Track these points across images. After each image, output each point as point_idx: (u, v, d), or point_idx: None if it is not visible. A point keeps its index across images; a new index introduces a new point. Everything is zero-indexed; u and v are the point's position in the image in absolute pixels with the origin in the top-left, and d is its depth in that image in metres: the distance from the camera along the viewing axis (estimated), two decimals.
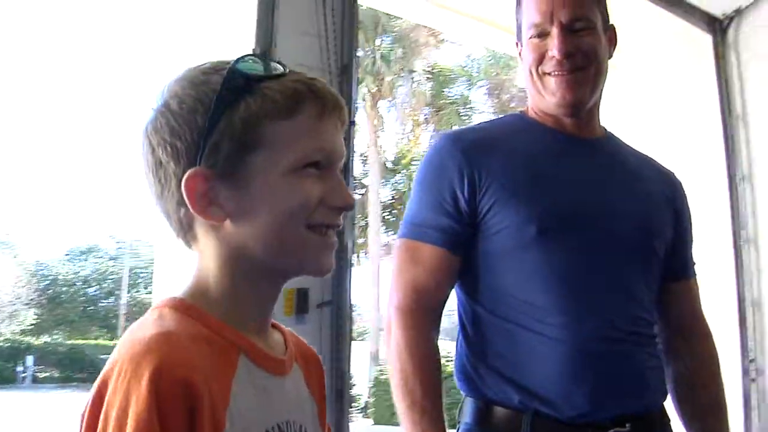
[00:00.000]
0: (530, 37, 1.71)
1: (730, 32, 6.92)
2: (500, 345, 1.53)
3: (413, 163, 22.19)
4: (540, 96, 1.73)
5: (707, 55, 6.92)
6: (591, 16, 1.71)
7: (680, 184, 1.91)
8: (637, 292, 1.67)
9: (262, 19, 3.97)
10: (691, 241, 1.89)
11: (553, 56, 1.67)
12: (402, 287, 1.62)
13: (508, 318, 1.60)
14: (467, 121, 21.75)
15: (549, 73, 1.70)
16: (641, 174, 1.83)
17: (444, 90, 21.86)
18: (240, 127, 0.93)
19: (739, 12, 6.84)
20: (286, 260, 1.00)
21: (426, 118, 22.13)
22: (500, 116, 1.84)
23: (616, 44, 1.83)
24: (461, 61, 22.85)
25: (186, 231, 1.00)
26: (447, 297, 1.69)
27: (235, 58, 0.97)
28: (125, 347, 0.87)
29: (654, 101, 7.29)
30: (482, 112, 22.09)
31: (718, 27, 6.92)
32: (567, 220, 1.64)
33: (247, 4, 3.94)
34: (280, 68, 1.00)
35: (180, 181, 0.94)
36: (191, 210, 0.95)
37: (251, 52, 1.00)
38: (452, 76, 21.93)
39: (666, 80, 7.22)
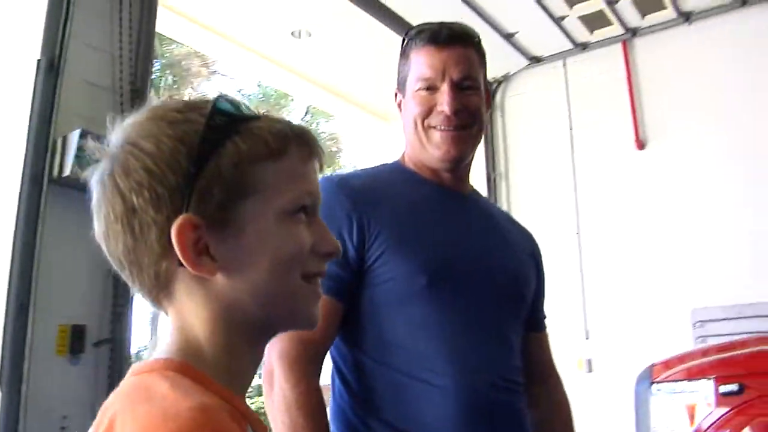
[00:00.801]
0: (418, 90, 1.74)
1: (498, 96, 7.48)
2: (391, 396, 1.51)
3: None
4: (422, 148, 1.75)
5: None
6: (477, 77, 1.77)
7: (536, 240, 2.00)
8: (513, 342, 1.73)
9: (50, 28, 3.68)
10: (545, 293, 1.98)
11: (442, 111, 1.70)
12: (286, 336, 1.53)
13: (398, 369, 1.58)
14: None
15: (435, 127, 1.72)
16: (509, 229, 1.90)
17: None
18: (231, 170, 0.85)
19: (506, 77, 7.43)
20: (281, 313, 0.91)
21: None
22: (378, 165, 1.78)
23: (490, 106, 1.91)
24: (231, 95, 22.64)
25: (161, 287, 0.87)
26: (330, 346, 1.65)
27: (211, 98, 0.89)
28: (156, 421, 0.73)
29: None
30: None
31: (486, 90, 7.44)
32: (454, 272, 1.66)
33: (37, 10, 3.66)
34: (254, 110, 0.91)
35: (162, 230, 0.83)
36: (183, 262, 0.84)
37: (222, 93, 0.87)
38: None
39: None
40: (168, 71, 18.34)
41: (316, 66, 7.07)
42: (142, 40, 4.01)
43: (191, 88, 19.27)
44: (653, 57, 6.84)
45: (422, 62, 1.72)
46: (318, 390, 1.57)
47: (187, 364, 0.84)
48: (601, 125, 6.98)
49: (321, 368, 1.62)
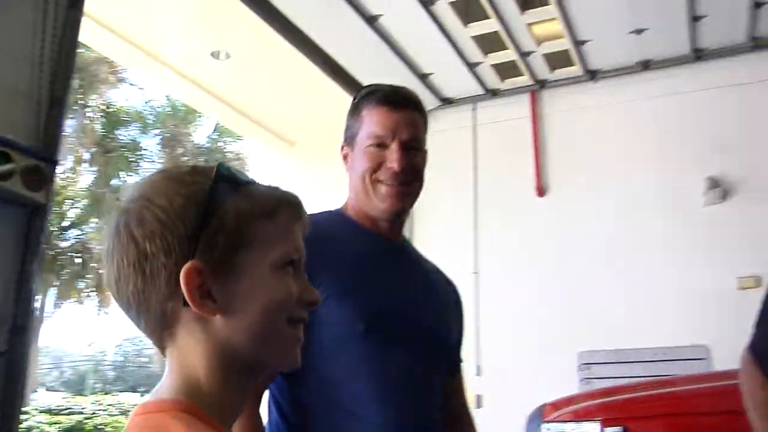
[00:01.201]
0: (368, 146, 1.84)
1: None
2: (327, 430, 1.60)
3: (66, 201, 21.07)
4: (368, 199, 1.85)
5: None
6: (422, 139, 1.88)
7: (458, 290, 2.12)
8: (436, 387, 1.85)
9: None
10: (462, 340, 2.10)
11: (391, 168, 1.80)
12: None
13: (336, 405, 1.68)
14: (135, 167, 21.07)
15: (382, 182, 1.82)
16: (436, 278, 2.02)
17: (115, 131, 21.08)
18: (233, 224, 0.96)
19: None
20: (269, 354, 1.01)
21: (91, 157, 21.07)
22: (322, 211, 1.86)
23: (425, 164, 2.00)
24: (138, 105, 22.28)
25: (167, 326, 0.97)
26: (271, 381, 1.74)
27: (214, 164, 1.01)
28: None
29: (328, 177, 7.71)
30: (153, 161, 21.57)
31: None
32: (389, 321, 1.77)
33: None
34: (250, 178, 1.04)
35: (171, 273, 0.93)
36: (188, 302, 0.93)
37: (223, 162, 1.00)
38: (126, 118, 21.24)
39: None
40: (77, 75, 17.92)
41: (231, 87, 7.13)
42: (64, 46, 3.96)
43: (97, 94, 18.87)
44: (559, 109, 7.20)
45: (375, 121, 1.83)
46: (259, 417, 1.65)
47: (194, 405, 0.93)
48: (505, 169, 7.26)
49: (261, 399, 1.70)
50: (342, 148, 1.95)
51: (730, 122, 6.53)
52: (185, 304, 0.94)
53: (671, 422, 3.45)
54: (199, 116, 17.23)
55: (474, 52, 6.68)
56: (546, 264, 6.81)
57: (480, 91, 7.35)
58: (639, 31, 6.33)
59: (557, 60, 6.86)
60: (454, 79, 7.18)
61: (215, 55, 6.44)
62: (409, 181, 1.84)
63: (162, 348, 0.99)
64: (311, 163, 7.99)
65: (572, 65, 6.90)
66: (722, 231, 6.38)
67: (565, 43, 6.52)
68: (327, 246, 1.74)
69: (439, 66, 6.93)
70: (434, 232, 7.13)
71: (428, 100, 7.41)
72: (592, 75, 7.04)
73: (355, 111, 1.90)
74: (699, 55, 6.69)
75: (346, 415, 1.69)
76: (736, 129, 6.49)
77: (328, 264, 1.73)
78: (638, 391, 3.97)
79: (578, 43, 6.53)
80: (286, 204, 1.03)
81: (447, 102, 7.55)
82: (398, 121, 1.83)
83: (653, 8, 6.01)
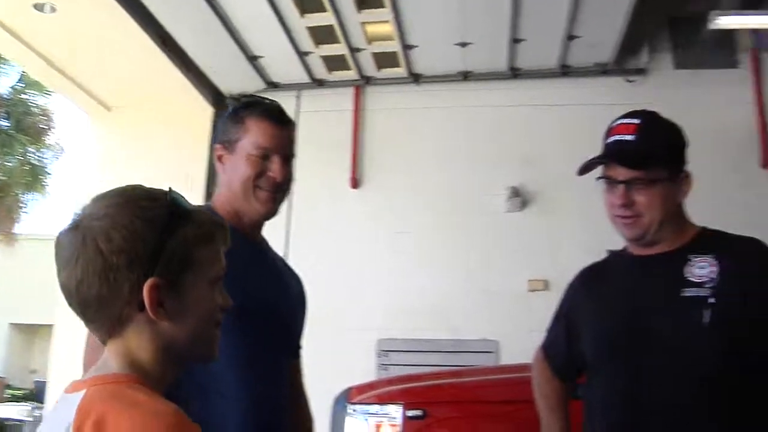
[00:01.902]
0: (252, 155, 2.02)
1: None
2: (200, 408, 1.65)
3: None
4: (247, 202, 2.04)
5: (205, 125, 7.54)
6: (295, 153, 2.12)
7: (302, 281, 2.33)
8: (287, 371, 2.12)
9: None
10: (304, 329, 2.34)
11: (273, 178, 2.02)
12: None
13: (208, 387, 1.82)
14: None
15: (262, 188, 2.03)
16: (285, 273, 2.24)
17: None
18: (183, 248, 1.18)
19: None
20: (199, 351, 1.26)
21: None
22: (194, 207, 1.99)
23: None
24: None
25: (119, 324, 1.17)
26: None
27: (162, 191, 1.23)
28: (150, 419, 1.05)
29: (147, 146, 7.57)
30: None
31: (221, 103, 7.62)
32: (255, 312, 1.94)
33: None
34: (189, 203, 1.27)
35: (133, 285, 1.14)
36: (149, 310, 1.14)
37: (170, 188, 1.21)
38: None
39: (162, 132, 7.59)
40: None
41: (51, 41, 6.77)
42: None
43: None
44: (381, 106, 7.49)
45: (262, 134, 2.03)
46: None
47: (143, 380, 1.15)
48: (322, 159, 7.43)
49: None
50: (216, 148, 2.11)
51: (536, 138, 7.11)
52: (141, 309, 1.15)
53: (465, 408, 3.79)
54: (4, 63, 15.88)
55: (306, 42, 6.81)
56: (353, 253, 7.09)
57: (306, 79, 7.48)
58: (464, 44, 6.74)
59: (384, 60, 7.14)
60: (283, 65, 7.28)
61: (39, 7, 6.11)
62: (284, 189, 2.07)
63: (104, 339, 1.20)
64: (128, 130, 7.80)
65: (398, 66, 7.20)
66: (518, 237, 6.93)
67: (394, 45, 6.80)
68: None
69: (269, 50, 7.00)
70: None
71: (254, 83, 7.46)
72: (416, 78, 7.39)
73: (237, 119, 2.07)
74: (515, 73, 7.23)
75: (215, 395, 1.87)
76: (541, 145, 7.07)
77: None
78: (437, 378, 4.30)
79: (406, 47, 6.84)
80: (219, 229, 1.28)
81: (272, 86, 7.60)
82: (283, 137, 2.06)
83: (480, 25, 6.43)
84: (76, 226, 1.17)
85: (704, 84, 7.11)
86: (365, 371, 6.41)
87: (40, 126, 17.71)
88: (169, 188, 1.23)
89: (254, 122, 2.03)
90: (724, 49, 7.22)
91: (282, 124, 2.06)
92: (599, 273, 2.24)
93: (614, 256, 2.22)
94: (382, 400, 3.82)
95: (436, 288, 6.86)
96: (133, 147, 7.63)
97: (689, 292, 1.87)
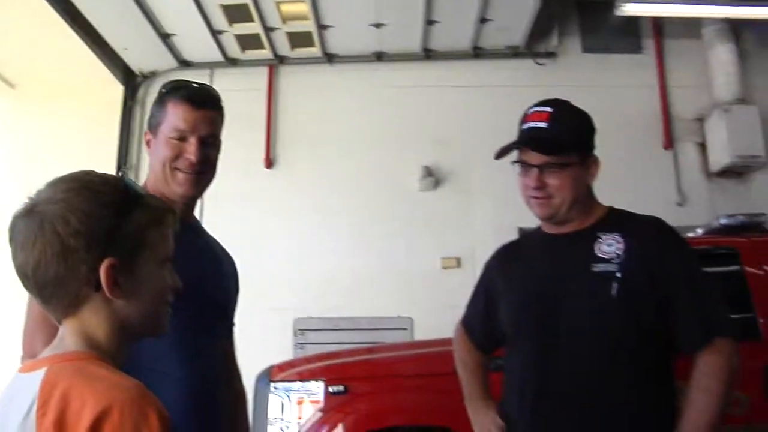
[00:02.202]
0: (170, 137, 2.04)
1: (141, 91, 7.55)
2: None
3: None
4: (166, 184, 2.06)
5: (116, 101, 7.40)
6: (218, 135, 2.12)
7: (234, 261, 2.36)
8: (221, 347, 2.18)
9: None
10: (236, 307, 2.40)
11: (189, 159, 2.03)
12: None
13: (144, 365, 1.77)
14: None
15: (180, 169, 2.04)
16: (219, 254, 2.26)
17: None
18: (136, 231, 1.25)
19: (154, 74, 7.52)
20: (152, 327, 1.33)
21: None
22: None
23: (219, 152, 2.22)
24: None
25: (76, 304, 1.22)
26: None
27: (115, 176, 1.30)
28: (114, 391, 1.11)
29: (54, 125, 7.38)
30: None
31: (131, 81, 7.48)
32: (188, 289, 1.93)
33: None
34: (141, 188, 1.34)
35: (90, 266, 1.19)
36: (105, 289, 1.20)
37: (123, 173, 1.20)
38: None
39: (71, 110, 7.40)
40: None
41: None
42: None
43: None
44: (295, 85, 7.48)
45: (179, 116, 2.03)
46: None
47: (102, 357, 1.21)
48: (236, 138, 7.30)
49: None
50: (146, 133, 2.14)
51: (448, 119, 7.25)
52: (97, 289, 1.21)
53: (384, 382, 3.90)
54: None
55: (220, 20, 6.75)
56: (268, 232, 7.09)
57: (220, 58, 7.40)
58: (378, 25, 6.81)
59: (299, 39, 7.14)
60: (196, 44, 7.19)
61: None
62: (203, 171, 2.07)
63: (60, 319, 1.26)
64: (34, 108, 7.56)
65: (313, 46, 7.21)
66: (431, 215, 7.06)
67: (308, 25, 6.81)
68: None
69: (182, 28, 6.90)
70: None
71: (166, 61, 7.36)
72: (330, 58, 7.42)
73: (161, 102, 2.08)
74: (429, 54, 7.34)
75: (153, 373, 1.86)
76: (453, 126, 7.22)
77: None
78: (356, 355, 4.40)
79: (321, 27, 6.86)
80: (168, 213, 1.34)
81: (185, 64, 7.50)
82: (199, 119, 2.04)
83: (394, 6, 6.53)
84: (31, 211, 1.21)
85: (611, 68, 7.42)
86: (282, 350, 6.45)
87: None
88: (123, 173, 1.29)
89: (173, 105, 2.05)
90: (629, 35, 7.51)
91: (201, 106, 2.05)
92: (514, 250, 2.37)
93: (528, 235, 2.37)
94: (304, 377, 3.89)
95: (351, 267, 6.94)
96: (39, 125, 7.42)
97: (598, 268, 2.02)
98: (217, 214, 7.22)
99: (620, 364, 1.98)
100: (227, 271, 2.26)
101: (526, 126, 2.16)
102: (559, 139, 2.09)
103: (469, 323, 2.47)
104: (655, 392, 2.00)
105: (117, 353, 1.26)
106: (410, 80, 7.35)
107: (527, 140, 2.13)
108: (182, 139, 2.04)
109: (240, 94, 7.43)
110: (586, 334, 1.99)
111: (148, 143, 2.13)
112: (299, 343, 6.69)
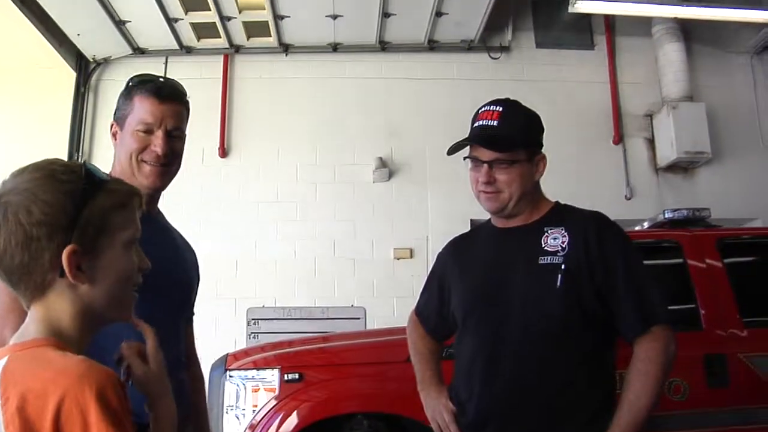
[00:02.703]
0: (137, 130, 2.08)
1: (94, 77, 7.46)
2: None
3: None
4: (132, 176, 2.08)
5: (68, 87, 7.30)
6: (183, 128, 2.17)
7: (195, 252, 2.40)
8: (182, 334, 2.22)
9: None
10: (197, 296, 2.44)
11: (155, 151, 2.07)
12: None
13: (107, 351, 1.80)
14: None
15: (146, 162, 2.08)
16: (180, 244, 2.31)
17: None
18: (99, 216, 1.27)
19: (107, 61, 7.45)
20: (118, 312, 1.36)
21: None
22: None
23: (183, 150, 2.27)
24: None
25: (42, 290, 1.26)
26: None
27: (78, 163, 1.33)
28: (61, 373, 1.14)
29: (4, 113, 7.24)
30: None
31: (84, 67, 7.39)
32: (156, 278, 1.96)
33: None
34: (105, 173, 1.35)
35: (53, 253, 1.22)
36: (68, 275, 1.23)
37: (85, 160, 1.24)
38: None
39: (21, 97, 7.27)
40: None
41: None
42: None
43: None
44: (250, 75, 7.47)
45: (145, 110, 2.08)
46: None
47: (62, 343, 1.24)
48: (191, 127, 7.28)
49: None
50: (112, 126, 2.17)
51: (402, 111, 7.31)
52: (62, 275, 1.24)
53: (338, 370, 3.95)
54: None
55: (176, 8, 6.71)
56: (222, 221, 7.09)
57: (174, 46, 7.35)
58: (335, 16, 6.84)
59: (255, 29, 7.14)
60: (151, 31, 7.13)
61: None
62: (168, 163, 2.11)
63: (28, 304, 1.29)
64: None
65: (268, 36, 7.21)
66: (385, 206, 7.12)
67: (265, 15, 6.81)
68: None
69: (137, 15, 6.83)
70: None
71: (121, 48, 7.28)
72: (286, 48, 7.43)
73: (128, 95, 2.12)
74: (384, 46, 7.39)
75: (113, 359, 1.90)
76: (408, 118, 7.28)
77: None
78: (311, 344, 4.44)
79: (278, 17, 6.86)
80: (133, 196, 1.36)
81: (140, 52, 7.44)
82: (165, 112, 2.09)
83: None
84: None
85: (564, 63, 7.56)
86: (235, 339, 6.47)
87: None
88: (84, 161, 1.33)
89: (140, 99, 2.09)
90: (582, 32, 7.65)
91: (167, 100, 2.09)
92: (466, 242, 2.47)
93: (479, 228, 2.48)
94: (259, 365, 3.93)
95: (305, 256, 6.98)
96: (15, 113, 7.26)
97: (544, 260, 2.12)
98: (172, 204, 7.21)
99: (563, 349, 2.09)
100: (189, 260, 2.30)
101: (477, 124, 2.25)
102: (508, 137, 2.18)
103: (422, 312, 2.54)
104: (597, 374, 2.12)
105: (80, 338, 1.28)
106: (365, 72, 7.39)
107: (478, 138, 2.22)
108: (149, 131, 2.07)
109: (195, 83, 7.38)
110: (531, 322, 2.10)
111: (114, 135, 2.16)
112: (253, 333, 6.70)
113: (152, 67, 7.38)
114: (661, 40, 7.37)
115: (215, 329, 6.47)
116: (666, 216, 4.41)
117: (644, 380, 2.01)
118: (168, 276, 2.07)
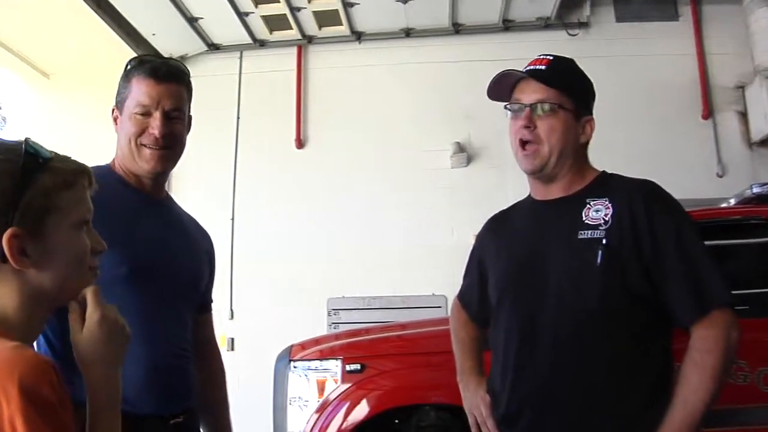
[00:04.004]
0: (135, 113, 2.00)
1: None
2: None
3: None
4: (133, 160, 2.03)
5: None
6: (183, 109, 2.07)
7: (211, 240, 2.35)
8: (187, 321, 2.11)
9: None
10: (213, 283, 2.37)
11: (153, 134, 1.99)
12: None
13: None
14: None
15: (146, 145, 2.00)
16: (191, 231, 2.24)
17: None
18: (42, 196, 1.19)
19: (183, 59, 7.50)
20: (73, 294, 1.28)
21: None
22: (93, 166, 2.01)
23: (189, 129, 2.18)
24: None
25: None
26: None
27: (18, 141, 1.23)
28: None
29: (87, 112, 7.42)
30: None
31: None
32: (148, 265, 1.97)
33: None
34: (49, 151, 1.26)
35: None
36: (10, 260, 1.16)
37: (27, 138, 1.20)
38: None
39: (102, 97, 7.40)
40: None
41: None
42: None
43: None
44: (324, 65, 7.45)
45: (142, 91, 2.00)
46: None
47: (4, 329, 1.16)
48: (267, 119, 7.40)
49: None
50: (113, 111, 2.09)
51: (479, 93, 7.03)
52: (4, 261, 1.17)
53: (403, 360, 3.82)
54: None
55: (245, 2, 6.73)
56: (301, 213, 7.10)
57: (248, 40, 7.39)
58: (405, 1, 6.73)
59: (326, 18, 7.10)
60: (223, 26, 7.19)
61: None
62: (170, 146, 2.03)
63: None
64: (68, 96, 7.63)
65: (340, 24, 7.15)
66: (464, 192, 6.98)
67: (335, 3, 6.76)
68: (96, 200, 1.93)
69: (209, 11, 6.90)
70: (193, 176, 7.16)
71: (195, 45, 7.37)
72: (358, 36, 7.36)
73: (126, 78, 2.05)
74: (457, 29, 7.24)
75: None
76: (483, 100, 7.02)
77: (97, 216, 1.90)
78: (377, 333, 4.33)
79: (347, 5, 6.81)
80: (80, 174, 1.28)
81: (214, 48, 7.52)
82: (162, 93, 2.00)
83: None
84: None
85: (646, 37, 7.21)
86: (316, 331, 6.45)
87: None
88: (26, 138, 1.23)
89: (137, 81, 2.01)
90: (664, 2, 7.29)
91: (164, 80, 2.01)
92: (503, 219, 2.29)
93: (518, 204, 2.27)
94: (323, 356, 3.85)
95: (384, 245, 6.90)
96: (73, 113, 7.48)
97: (584, 235, 1.91)
98: (250, 196, 7.34)
99: (605, 333, 1.87)
100: (199, 248, 2.22)
101: (524, 69, 2.06)
102: (556, 75, 1.99)
103: (464, 297, 2.39)
104: (645, 362, 1.88)
105: (28, 325, 1.22)
106: (440, 55, 7.25)
107: (523, 72, 2.04)
108: (146, 114, 2.00)
109: (269, 76, 7.47)
110: (569, 303, 1.89)
111: (115, 120, 2.09)
112: (333, 323, 6.69)
113: (227, 62, 7.50)
114: (752, 6, 6.91)
115: (296, 321, 6.46)
116: (754, 191, 4.11)
117: (701, 373, 1.77)
118: (169, 262, 2.03)
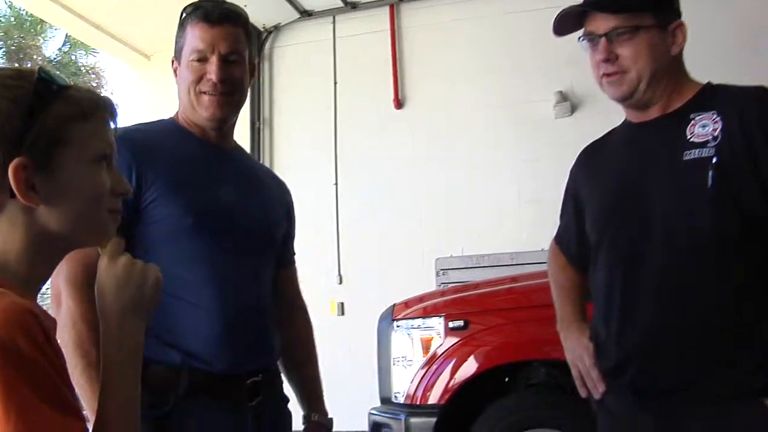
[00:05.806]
0: (191, 60, 1.94)
1: (267, 45, 7.61)
2: (159, 315, 1.53)
3: None
4: (193, 109, 1.97)
5: None
6: (242, 52, 2.00)
7: (289, 190, 2.30)
8: (264, 276, 2.04)
9: None
10: (294, 236, 2.31)
11: (211, 79, 1.92)
12: (71, 262, 1.72)
13: (170, 294, 1.68)
14: None
15: (204, 93, 1.94)
16: (263, 180, 2.19)
17: None
18: (54, 126, 1.09)
19: (277, 28, 7.56)
20: (88, 236, 1.19)
21: None
22: (156, 120, 1.97)
23: (253, 76, 2.12)
24: None
25: None
26: None
27: (35, 68, 1.12)
28: None
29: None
30: None
31: (256, 37, 7.54)
32: (214, 215, 1.93)
33: None
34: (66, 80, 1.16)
35: (0, 167, 1.05)
36: (16, 193, 1.06)
37: (42, 66, 1.09)
38: None
39: None
40: None
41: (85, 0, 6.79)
42: None
43: None
44: (417, 23, 7.27)
45: (196, 36, 1.94)
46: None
47: (3, 277, 1.07)
48: (364, 82, 7.33)
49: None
50: (172, 62, 2.05)
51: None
52: (12, 195, 1.07)
53: (507, 315, 3.72)
54: (50, 27, 16.19)
55: None
56: (404, 174, 7.00)
57: (339, 3, 7.31)
58: None
59: None
60: None
61: None
62: (229, 92, 1.96)
63: None
64: (168, 76, 7.75)
65: None
66: (569, 142, 6.64)
67: None
68: (157, 152, 1.93)
69: None
70: (295, 144, 7.18)
71: (287, 13, 7.36)
72: None
73: (181, 27, 1.99)
74: None
75: (177, 301, 1.82)
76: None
77: (158, 168, 1.89)
78: (481, 288, 4.22)
79: None
80: (100, 105, 1.17)
81: (306, 14, 7.48)
82: (217, 36, 1.93)
83: None
84: None
85: None
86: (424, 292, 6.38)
87: (90, 84, 17.95)
88: (40, 66, 1.14)
89: (191, 26, 1.95)
90: None
91: (218, 23, 1.94)
92: (598, 148, 2.12)
93: (614, 130, 2.07)
94: (426, 313, 3.79)
95: (489, 202, 6.73)
96: (172, 93, 7.61)
97: (691, 155, 1.71)
98: (351, 158, 7.30)
99: (721, 270, 1.67)
100: (272, 198, 2.16)
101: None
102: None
103: (561, 238, 2.22)
104: (753, 288, 1.67)
105: (30, 271, 1.12)
106: (536, 2, 6.95)
107: (589, 3, 1.85)
108: (203, 59, 1.93)
109: (363, 38, 7.37)
110: (677, 235, 1.70)
111: (175, 72, 2.04)
112: (442, 283, 6.58)
113: (321, 27, 7.45)
114: None
115: (404, 283, 6.39)
116: None
117: None
118: (235, 214, 1.96)
